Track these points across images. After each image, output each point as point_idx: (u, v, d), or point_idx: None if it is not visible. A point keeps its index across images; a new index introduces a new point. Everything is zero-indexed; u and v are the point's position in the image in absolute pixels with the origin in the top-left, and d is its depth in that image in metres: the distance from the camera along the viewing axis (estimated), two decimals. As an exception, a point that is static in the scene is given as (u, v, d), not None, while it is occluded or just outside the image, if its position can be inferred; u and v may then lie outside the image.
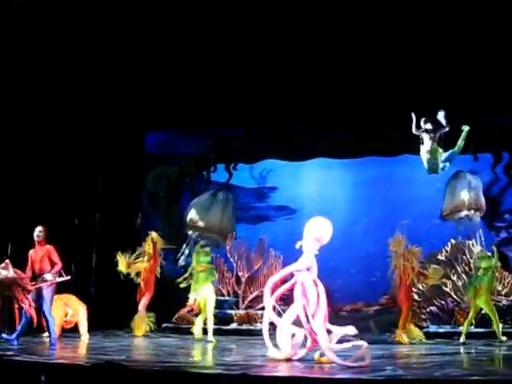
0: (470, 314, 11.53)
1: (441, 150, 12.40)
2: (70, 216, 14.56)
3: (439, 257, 13.66)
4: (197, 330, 12.15)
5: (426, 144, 12.41)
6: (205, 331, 11.98)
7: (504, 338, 11.13)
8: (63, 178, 14.63)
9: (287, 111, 14.98)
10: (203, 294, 12.10)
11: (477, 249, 13.53)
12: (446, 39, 13.56)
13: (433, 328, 12.63)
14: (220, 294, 14.65)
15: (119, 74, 14.55)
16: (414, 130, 12.50)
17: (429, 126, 12.37)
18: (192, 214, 14.83)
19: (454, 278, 13.16)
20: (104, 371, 3.33)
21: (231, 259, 15.10)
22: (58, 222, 13.69)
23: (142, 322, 12.94)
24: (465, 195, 13.86)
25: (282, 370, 7.42)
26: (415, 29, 13.44)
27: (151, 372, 7.16)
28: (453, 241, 13.84)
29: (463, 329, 11.39)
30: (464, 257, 13.45)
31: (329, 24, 13.38)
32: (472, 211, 13.92)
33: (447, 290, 13.13)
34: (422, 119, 12.53)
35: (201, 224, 14.74)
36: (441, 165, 12.51)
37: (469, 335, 11.39)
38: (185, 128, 16.23)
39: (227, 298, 14.40)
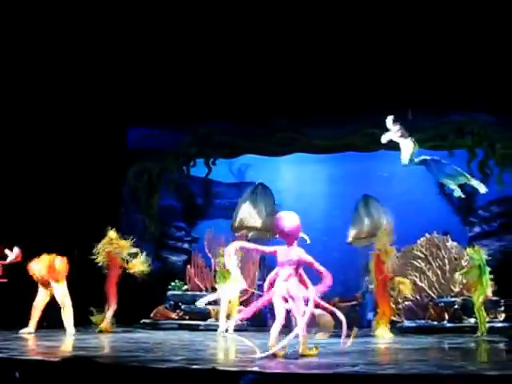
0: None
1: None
2: (52, 213, 14.51)
3: (415, 251, 13.80)
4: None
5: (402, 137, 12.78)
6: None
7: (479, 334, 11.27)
8: (45, 173, 14.64)
9: (266, 107, 15.05)
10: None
11: (452, 244, 13.71)
12: (422, 35, 13.72)
13: (407, 323, 12.79)
14: (198, 289, 14.76)
15: (102, 69, 14.60)
16: (383, 140, 12.81)
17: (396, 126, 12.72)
18: (241, 215, 14.92)
19: (429, 273, 13.32)
20: (76, 366, 3.35)
21: (209, 254, 15.16)
22: (40, 216, 13.74)
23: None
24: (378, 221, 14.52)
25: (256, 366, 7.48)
26: (392, 23, 13.59)
27: (122, 367, 7.22)
28: (428, 236, 13.97)
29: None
30: (439, 252, 13.60)
31: (305, 19, 13.48)
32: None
33: (422, 285, 13.30)
34: (390, 117, 12.78)
35: (252, 223, 14.86)
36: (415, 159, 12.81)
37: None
38: (165, 123, 16.24)
39: (204, 293, 14.44)
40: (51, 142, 14.90)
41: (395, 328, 12.38)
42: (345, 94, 14.78)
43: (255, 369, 7.16)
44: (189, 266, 15.09)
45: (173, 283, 14.71)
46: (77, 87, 14.83)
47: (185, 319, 13.98)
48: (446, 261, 13.38)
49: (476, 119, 15.44)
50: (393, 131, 12.54)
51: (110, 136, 16.04)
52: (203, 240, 15.47)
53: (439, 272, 13.18)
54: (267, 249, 8.30)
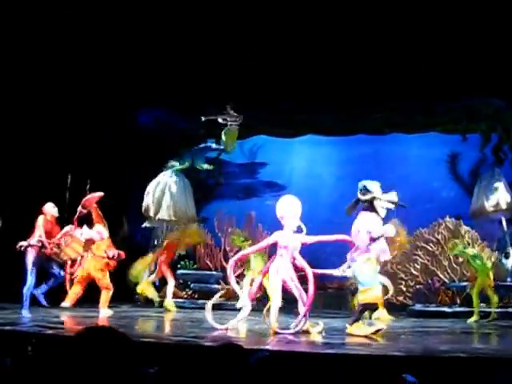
0: None
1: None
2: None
3: (426, 236, 13.71)
4: None
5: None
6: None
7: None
8: (54, 158, 14.58)
9: (278, 88, 14.90)
10: None
11: (465, 229, 13.58)
12: (434, 21, 13.54)
13: (418, 306, 12.74)
14: (207, 268, 14.69)
15: (114, 53, 14.46)
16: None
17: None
18: None
19: (441, 257, 13.23)
20: (93, 338, 3.02)
21: (219, 234, 15.10)
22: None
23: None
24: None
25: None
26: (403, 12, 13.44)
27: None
28: (440, 220, 13.86)
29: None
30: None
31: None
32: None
33: (434, 268, 13.24)
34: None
35: None
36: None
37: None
38: (175, 104, 16.13)
39: (214, 272, 14.41)
40: (60, 126, 14.81)
41: (407, 311, 12.35)
42: (355, 76, 14.63)
43: (267, 347, 7.20)
44: (198, 246, 15.03)
45: (182, 262, 14.65)
46: (86, 74, 14.71)
47: (194, 298, 13.95)
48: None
49: (490, 103, 15.28)
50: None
51: (120, 117, 15.96)
52: (213, 220, 15.40)
53: (451, 256, 13.05)
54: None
